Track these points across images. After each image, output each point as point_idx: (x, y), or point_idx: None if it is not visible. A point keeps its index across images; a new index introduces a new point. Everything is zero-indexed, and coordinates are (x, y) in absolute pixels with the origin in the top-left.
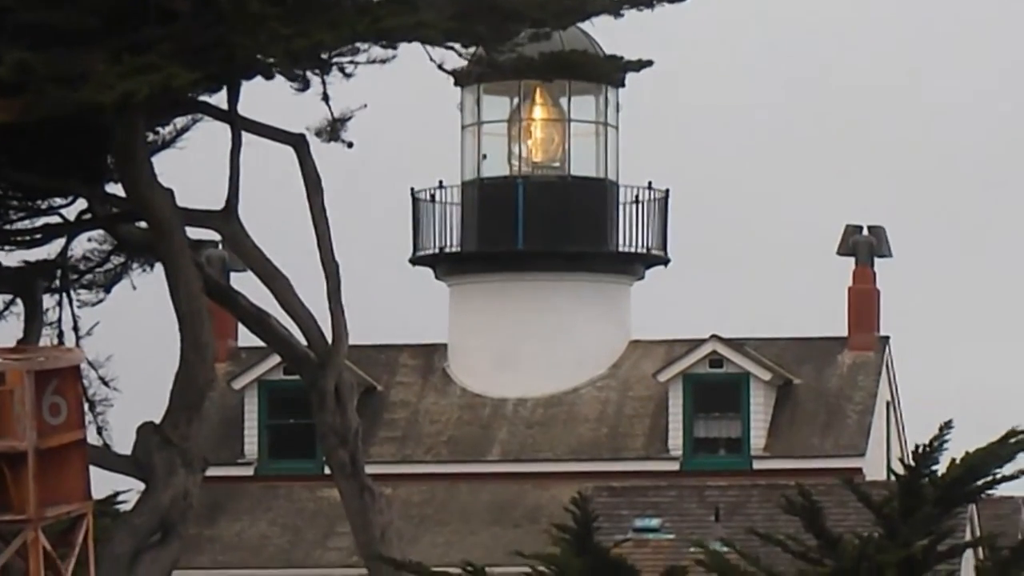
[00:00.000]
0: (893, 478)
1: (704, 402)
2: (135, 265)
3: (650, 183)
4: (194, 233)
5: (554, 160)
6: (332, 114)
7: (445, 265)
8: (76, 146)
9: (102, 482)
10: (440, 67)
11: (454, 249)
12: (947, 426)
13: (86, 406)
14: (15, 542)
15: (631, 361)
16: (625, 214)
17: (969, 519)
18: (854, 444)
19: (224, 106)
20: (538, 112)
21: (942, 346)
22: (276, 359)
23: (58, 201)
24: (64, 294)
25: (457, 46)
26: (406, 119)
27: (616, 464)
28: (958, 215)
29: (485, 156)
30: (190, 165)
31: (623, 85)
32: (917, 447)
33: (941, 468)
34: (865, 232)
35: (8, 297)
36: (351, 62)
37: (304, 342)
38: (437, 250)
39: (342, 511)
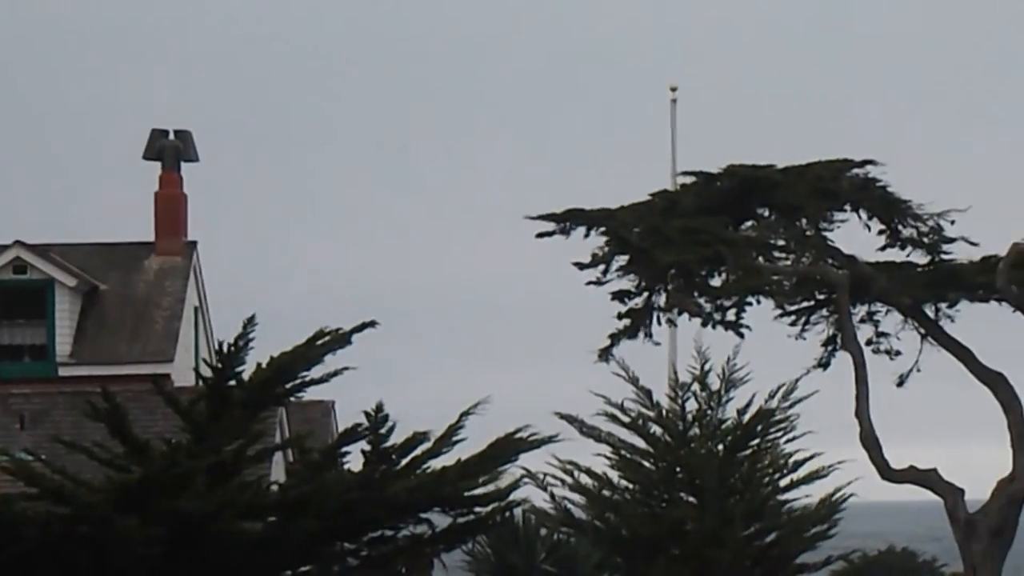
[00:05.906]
0: (201, 383)
1: (8, 308)
2: None
3: None
4: None
5: None
6: None
7: None
8: None
9: None
10: None
11: None
12: (251, 322)
13: None
14: None
15: None
16: None
17: (279, 423)
18: (162, 350)
19: None
20: None
21: (250, 248)
22: None
23: None
24: None
25: None
26: None
27: None
28: (267, 120)
29: None
30: None
31: None
32: (221, 344)
33: (249, 371)
34: (171, 136)
35: None
36: None
37: None
38: None
39: None
